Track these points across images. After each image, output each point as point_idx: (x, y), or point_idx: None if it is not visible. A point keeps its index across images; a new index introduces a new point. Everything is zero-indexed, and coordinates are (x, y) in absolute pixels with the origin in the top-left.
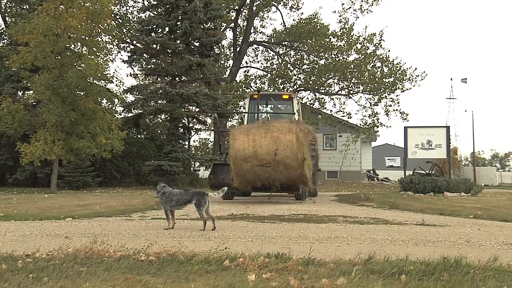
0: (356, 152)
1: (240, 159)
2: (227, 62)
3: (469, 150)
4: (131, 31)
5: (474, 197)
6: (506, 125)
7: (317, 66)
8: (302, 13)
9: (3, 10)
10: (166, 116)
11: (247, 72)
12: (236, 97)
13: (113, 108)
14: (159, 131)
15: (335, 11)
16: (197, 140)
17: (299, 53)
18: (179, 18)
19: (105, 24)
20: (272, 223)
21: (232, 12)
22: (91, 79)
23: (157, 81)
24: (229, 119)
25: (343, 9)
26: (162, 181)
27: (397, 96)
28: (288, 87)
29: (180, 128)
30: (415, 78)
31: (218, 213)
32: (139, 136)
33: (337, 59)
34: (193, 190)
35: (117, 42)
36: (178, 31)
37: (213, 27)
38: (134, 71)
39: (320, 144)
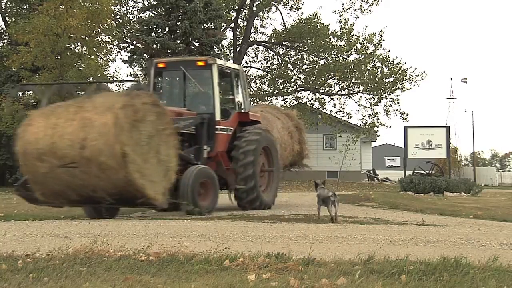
0: (356, 152)
1: (32, 157)
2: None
3: (469, 150)
4: (131, 31)
5: (474, 197)
6: (506, 125)
7: (317, 66)
8: (302, 13)
9: (3, 10)
10: None
11: (247, 72)
12: None
13: None
14: None
15: (335, 11)
16: None
17: (299, 53)
18: (179, 18)
19: (105, 24)
20: (272, 223)
21: (232, 12)
22: (91, 79)
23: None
24: None
25: (343, 9)
26: (323, 182)
27: (397, 96)
28: (288, 87)
29: None
30: (415, 78)
31: (217, 213)
32: None
33: (337, 59)
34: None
35: (117, 42)
36: (178, 31)
37: (213, 27)
38: (134, 71)
39: (320, 144)
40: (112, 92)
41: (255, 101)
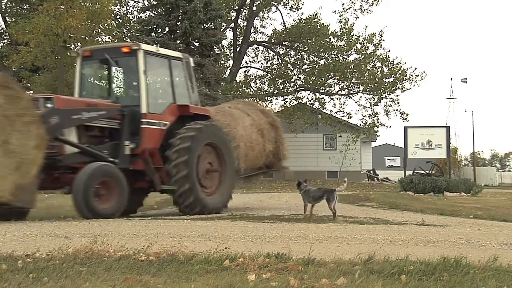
0: (356, 152)
1: None
2: (227, 62)
3: (469, 150)
4: (131, 31)
5: (474, 197)
6: (506, 125)
7: (317, 66)
8: (302, 13)
9: (3, 10)
10: None
11: (247, 72)
12: (236, 97)
13: None
14: None
15: (335, 11)
16: None
17: (299, 53)
18: (179, 18)
19: (105, 24)
20: (272, 223)
21: (232, 12)
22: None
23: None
24: None
25: (343, 9)
26: (305, 181)
27: (397, 96)
28: (288, 87)
29: None
30: (415, 78)
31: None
32: None
33: (337, 59)
34: (324, 188)
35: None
36: (178, 31)
37: (213, 27)
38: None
39: (320, 144)
40: None
41: (255, 101)
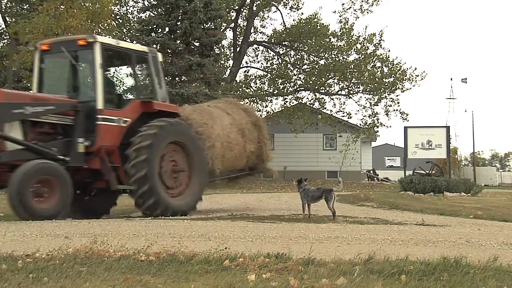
0: (356, 152)
1: None
2: (227, 62)
3: (469, 150)
4: (131, 31)
5: (474, 197)
6: (506, 125)
7: (317, 66)
8: (302, 13)
9: (3, 10)
10: None
11: (247, 72)
12: (236, 97)
13: None
14: None
15: (335, 11)
16: None
17: (299, 53)
18: (179, 18)
19: (105, 24)
20: (272, 223)
21: (232, 12)
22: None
23: None
24: None
25: (343, 9)
26: (305, 179)
27: (397, 96)
28: (288, 87)
29: None
30: (415, 78)
31: (218, 213)
32: None
33: (337, 59)
34: (322, 188)
35: None
36: (178, 31)
37: (213, 27)
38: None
39: (320, 144)
40: None
41: (255, 101)
